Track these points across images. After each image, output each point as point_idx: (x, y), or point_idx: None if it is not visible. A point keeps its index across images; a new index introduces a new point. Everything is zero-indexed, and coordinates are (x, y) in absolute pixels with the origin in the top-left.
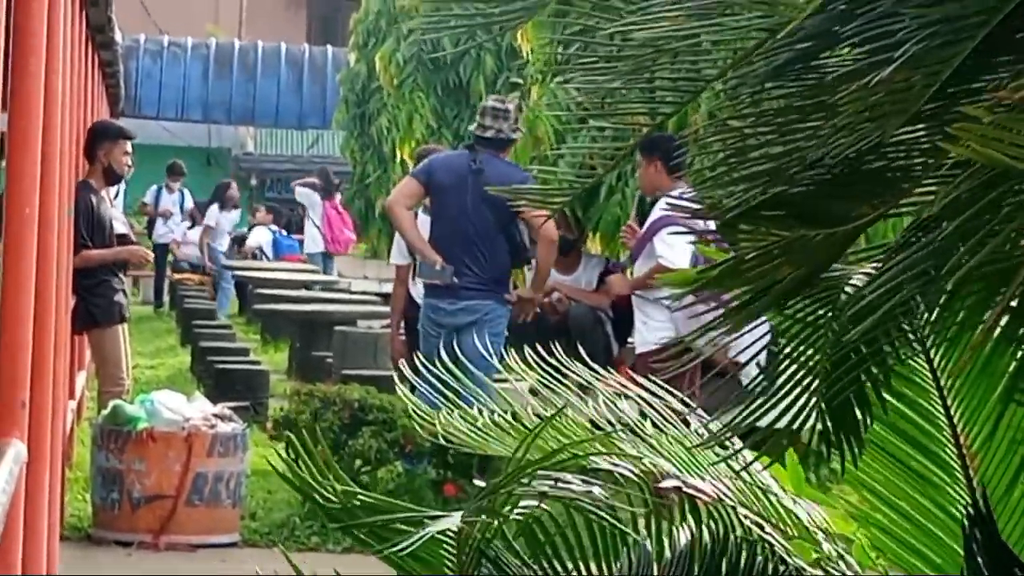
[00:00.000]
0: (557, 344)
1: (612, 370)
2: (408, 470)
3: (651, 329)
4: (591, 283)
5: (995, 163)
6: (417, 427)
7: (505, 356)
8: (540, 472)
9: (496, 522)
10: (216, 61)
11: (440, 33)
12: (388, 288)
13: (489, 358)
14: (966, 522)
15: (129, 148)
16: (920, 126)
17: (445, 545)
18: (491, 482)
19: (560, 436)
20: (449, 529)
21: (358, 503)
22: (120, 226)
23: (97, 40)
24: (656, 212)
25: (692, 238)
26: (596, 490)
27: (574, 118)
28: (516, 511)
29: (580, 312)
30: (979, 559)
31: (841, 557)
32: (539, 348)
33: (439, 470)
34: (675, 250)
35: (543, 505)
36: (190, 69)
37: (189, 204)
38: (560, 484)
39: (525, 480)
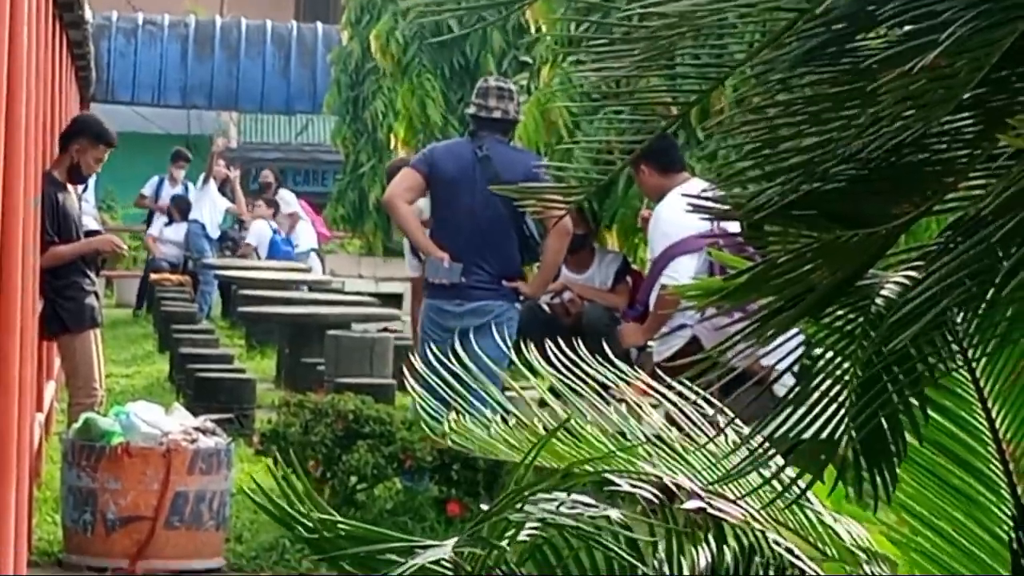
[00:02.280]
0: (570, 349)
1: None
2: (408, 487)
3: (672, 334)
4: (606, 282)
5: None
6: (426, 427)
7: (515, 361)
8: (550, 489)
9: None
10: (196, 41)
11: (442, 15)
12: (385, 288)
13: (499, 363)
14: (1013, 537)
15: (105, 156)
16: (965, 115)
17: (440, 574)
18: (490, 506)
19: (576, 446)
20: (443, 559)
21: (343, 533)
22: (91, 221)
23: (65, 19)
24: (656, 225)
25: (697, 260)
26: (613, 513)
27: (590, 102)
28: (523, 533)
29: (595, 314)
30: None
31: None
32: (551, 351)
33: (442, 487)
34: (680, 275)
35: (551, 526)
36: (167, 50)
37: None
38: (567, 508)
39: (522, 504)
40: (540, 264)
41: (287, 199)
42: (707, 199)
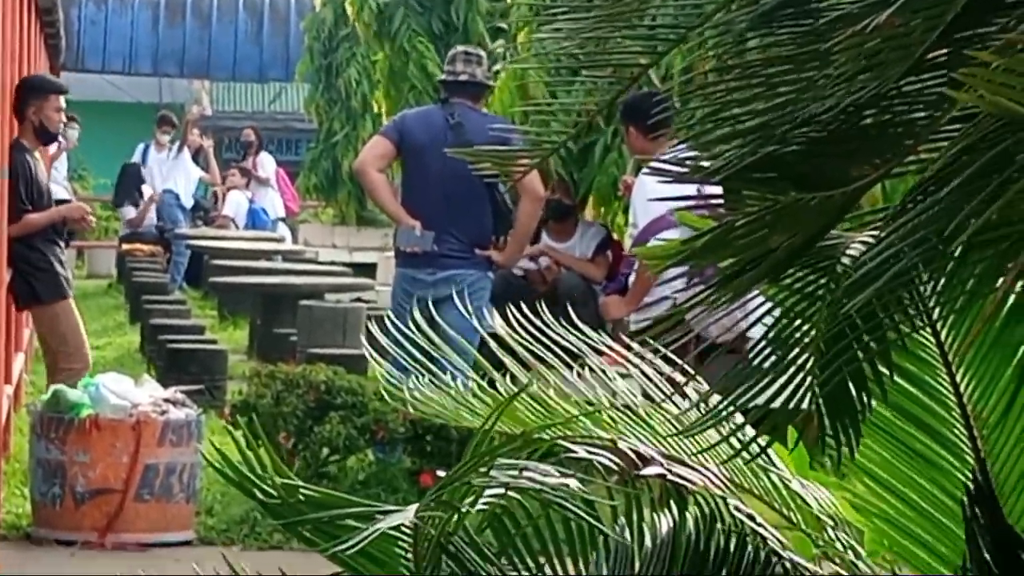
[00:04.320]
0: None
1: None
2: (381, 459)
3: (652, 305)
4: (586, 254)
5: (1006, 112)
6: (386, 395)
7: (482, 332)
8: (509, 458)
9: (456, 515)
10: (167, 7)
11: None
12: (358, 257)
13: (472, 333)
14: (965, 500)
15: (62, 103)
16: (924, 75)
17: (400, 542)
18: (451, 471)
19: (541, 412)
20: (403, 525)
21: (302, 498)
22: (61, 191)
23: None
24: (641, 193)
25: (680, 233)
26: (572, 482)
27: (560, 67)
28: (481, 501)
29: (571, 282)
30: (980, 540)
31: (851, 547)
32: (514, 317)
33: (415, 458)
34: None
35: (511, 493)
36: (138, 17)
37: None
38: (528, 473)
39: (485, 469)
40: (512, 231)
41: (265, 163)
42: (670, 162)
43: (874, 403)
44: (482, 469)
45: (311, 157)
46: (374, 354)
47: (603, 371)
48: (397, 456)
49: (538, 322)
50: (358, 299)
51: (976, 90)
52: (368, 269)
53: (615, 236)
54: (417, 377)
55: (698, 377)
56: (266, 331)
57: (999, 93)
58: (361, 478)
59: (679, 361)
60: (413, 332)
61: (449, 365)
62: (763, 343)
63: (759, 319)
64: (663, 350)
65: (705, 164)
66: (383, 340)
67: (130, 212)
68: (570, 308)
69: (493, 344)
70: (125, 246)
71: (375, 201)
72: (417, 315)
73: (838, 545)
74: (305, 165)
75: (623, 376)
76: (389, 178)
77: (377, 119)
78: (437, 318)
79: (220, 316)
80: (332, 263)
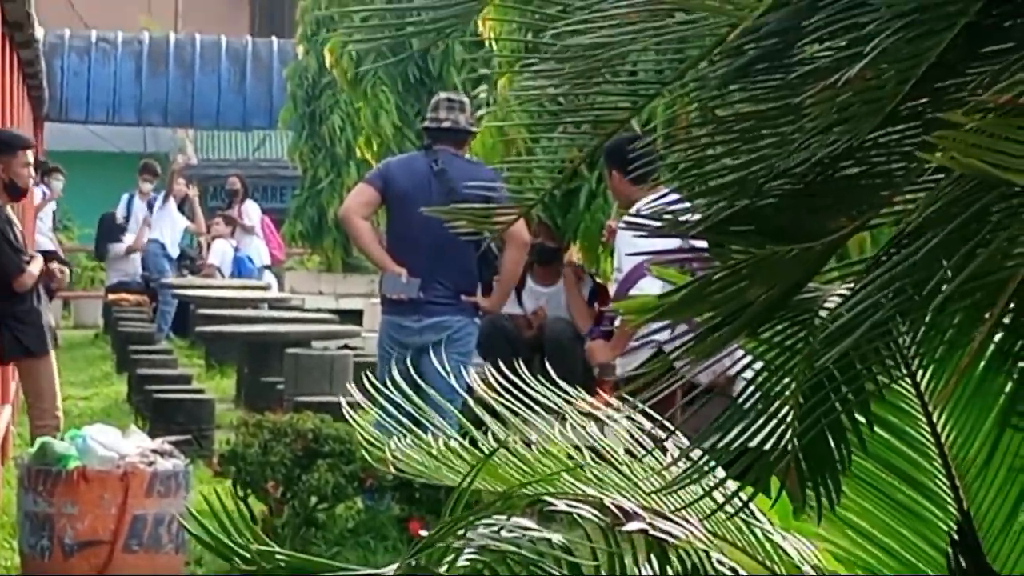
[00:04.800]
0: (532, 362)
1: (590, 392)
2: (369, 506)
3: (638, 349)
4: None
5: (979, 173)
6: (367, 456)
7: (471, 377)
8: (491, 514)
9: None
10: (150, 57)
11: (368, 44)
12: (345, 304)
13: (456, 381)
14: (950, 550)
15: (30, 158)
16: (901, 127)
17: None
18: (430, 533)
19: (522, 468)
20: None
21: (282, 564)
22: (47, 242)
23: (15, 38)
24: (623, 238)
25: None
26: (554, 536)
27: (544, 111)
28: (462, 559)
29: (558, 328)
30: None
31: None
32: (509, 366)
33: (403, 506)
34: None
35: (493, 549)
36: (121, 67)
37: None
38: (508, 532)
39: (464, 529)
40: (498, 277)
41: (251, 211)
42: (646, 216)
43: (855, 455)
44: (459, 532)
45: (296, 204)
46: (352, 414)
47: (584, 428)
48: (386, 504)
49: (516, 379)
50: (345, 346)
51: (948, 151)
52: (355, 316)
53: (600, 281)
54: (399, 436)
55: (678, 432)
56: (253, 380)
57: (971, 155)
58: (350, 526)
59: (659, 417)
60: (393, 391)
61: (431, 424)
62: (746, 394)
63: (748, 364)
64: (649, 399)
65: (681, 219)
66: (361, 398)
67: (117, 249)
68: (557, 355)
69: (471, 402)
70: (111, 296)
71: (360, 248)
72: (396, 375)
73: None
74: (290, 212)
75: (603, 428)
76: (374, 225)
77: (362, 166)
78: (418, 379)
79: (207, 365)
80: (319, 310)
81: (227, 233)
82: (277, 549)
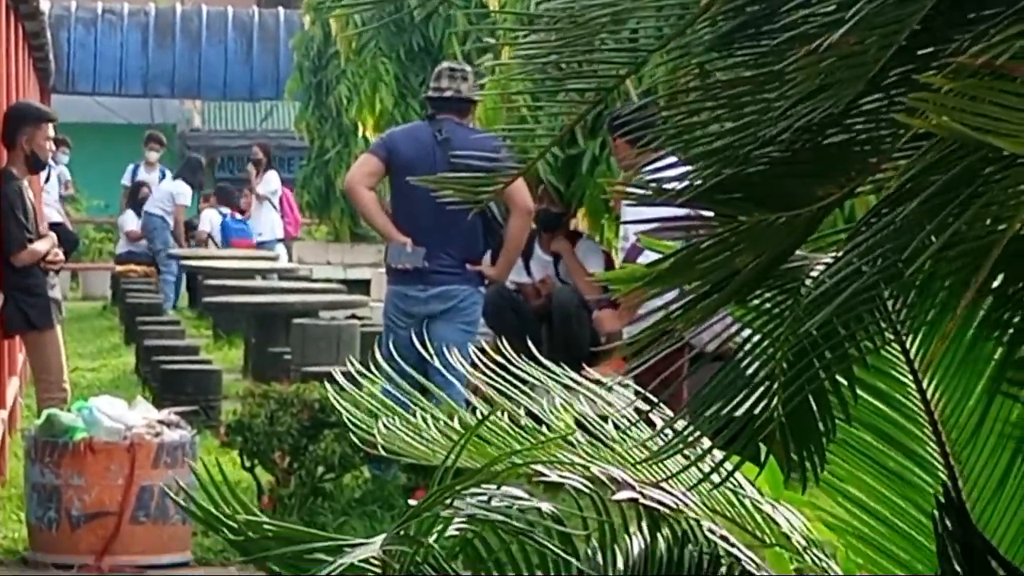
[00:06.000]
0: (539, 330)
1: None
2: (376, 476)
3: (644, 317)
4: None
5: (958, 136)
6: (355, 439)
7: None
8: (479, 484)
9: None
10: (156, 29)
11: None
12: (353, 274)
13: (460, 352)
14: (936, 512)
15: (52, 132)
16: (886, 93)
17: (370, 573)
18: (418, 503)
19: (511, 441)
20: (372, 557)
21: (268, 533)
22: (54, 214)
23: (20, 10)
24: (628, 206)
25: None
26: (545, 505)
27: (545, 79)
28: (451, 528)
29: (564, 296)
30: (951, 550)
31: (824, 569)
32: (515, 335)
33: (410, 475)
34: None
35: (482, 518)
36: (128, 38)
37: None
38: (497, 501)
39: (452, 499)
40: (504, 245)
41: (271, 181)
42: (636, 185)
43: (845, 422)
44: (447, 500)
45: (304, 175)
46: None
47: (570, 404)
48: (392, 473)
49: (500, 359)
50: (352, 316)
51: (927, 114)
52: (363, 286)
53: (605, 250)
54: (387, 416)
55: (670, 403)
56: (260, 350)
57: (951, 117)
58: (357, 496)
59: (644, 391)
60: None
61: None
62: (733, 362)
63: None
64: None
65: (667, 187)
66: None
67: (128, 224)
68: (564, 323)
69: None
70: (119, 267)
71: (365, 219)
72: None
73: (812, 565)
74: (298, 183)
75: (596, 401)
76: (380, 195)
77: (366, 138)
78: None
79: (214, 336)
80: (327, 280)
81: (215, 203)
82: (265, 519)
